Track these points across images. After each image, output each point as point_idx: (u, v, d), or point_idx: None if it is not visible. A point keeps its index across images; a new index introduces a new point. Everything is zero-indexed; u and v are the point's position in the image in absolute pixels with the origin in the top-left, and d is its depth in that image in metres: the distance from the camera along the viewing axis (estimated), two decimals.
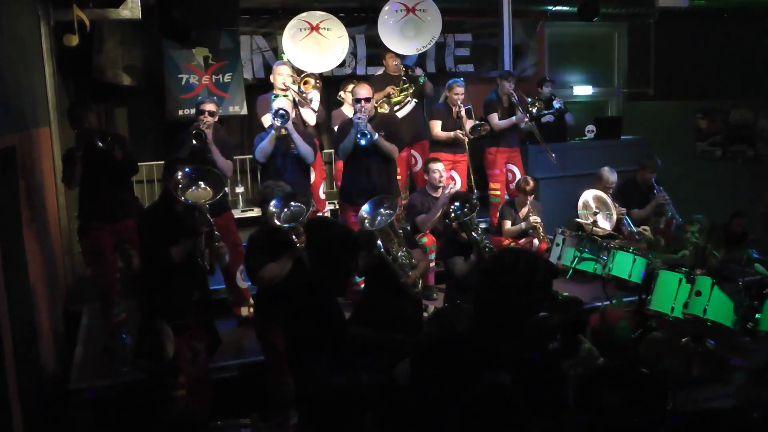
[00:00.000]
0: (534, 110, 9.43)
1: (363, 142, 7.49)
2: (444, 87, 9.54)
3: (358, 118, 7.54)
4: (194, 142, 7.18)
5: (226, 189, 8.21)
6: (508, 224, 8.69)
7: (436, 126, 9.21)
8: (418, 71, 9.76)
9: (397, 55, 9.59)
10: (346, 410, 4.11)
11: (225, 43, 10.38)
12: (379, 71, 10.05)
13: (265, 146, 7.58)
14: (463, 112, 9.08)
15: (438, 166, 8.22)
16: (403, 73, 9.53)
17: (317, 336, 4.13)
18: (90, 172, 6.89)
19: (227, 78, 10.35)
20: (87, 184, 7.03)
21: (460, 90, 9.15)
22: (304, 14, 9.27)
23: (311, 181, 8.63)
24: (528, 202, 8.65)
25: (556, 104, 10.44)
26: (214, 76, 10.26)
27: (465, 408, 2.57)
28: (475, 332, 2.87)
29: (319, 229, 4.66)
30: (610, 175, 9.04)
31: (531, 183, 8.74)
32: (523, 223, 8.57)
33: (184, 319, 5.85)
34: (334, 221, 5.57)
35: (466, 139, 9.12)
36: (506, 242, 8.69)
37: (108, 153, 6.82)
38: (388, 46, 9.52)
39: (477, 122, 9.17)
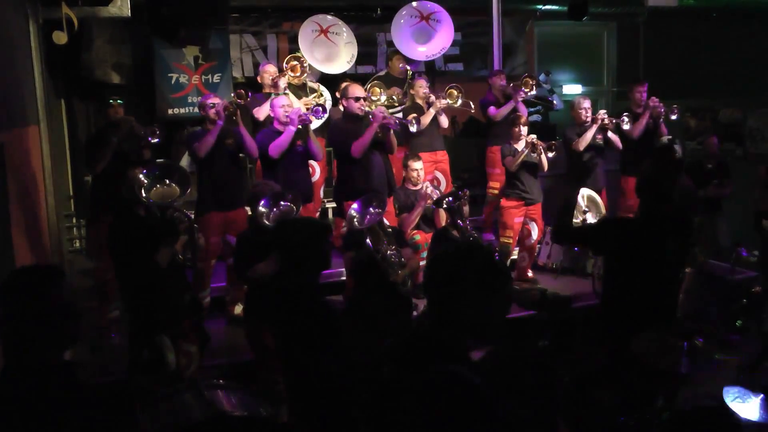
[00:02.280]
0: (528, 90, 9.52)
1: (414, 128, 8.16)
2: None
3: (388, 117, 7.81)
4: (239, 100, 7.59)
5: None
6: (510, 159, 8.56)
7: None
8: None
9: (404, 59, 9.65)
10: (337, 407, 4.11)
11: (215, 43, 10.36)
12: (369, 70, 10.08)
13: (283, 142, 7.56)
14: (440, 103, 9.07)
15: (416, 165, 8.21)
16: (409, 77, 9.56)
17: (307, 333, 4.13)
18: (110, 164, 6.96)
19: (216, 78, 10.34)
20: (103, 176, 7.06)
21: (422, 82, 9.23)
22: (316, 16, 9.48)
23: (314, 181, 8.67)
24: (522, 134, 8.53)
25: (542, 78, 10.57)
26: (203, 76, 10.25)
27: (416, 396, 2.56)
28: (437, 328, 2.88)
29: (287, 227, 4.71)
30: (583, 101, 9.22)
31: (523, 117, 8.77)
32: (524, 150, 8.41)
33: (180, 324, 5.81)
34: (300, 217, 5.65)
35: (444, 122, 9.27)
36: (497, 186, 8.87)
37: (137, 147, 6.94)
38: (399, 48, 9.63)
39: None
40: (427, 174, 8.73)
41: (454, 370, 2.61)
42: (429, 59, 10.22)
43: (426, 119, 8.94)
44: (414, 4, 9.77)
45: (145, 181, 5.71)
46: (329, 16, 9.56)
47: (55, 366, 3.08)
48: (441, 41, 9.80)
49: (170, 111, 10.09)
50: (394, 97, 9.46)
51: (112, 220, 5.97)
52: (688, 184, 8.00)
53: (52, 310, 3.03)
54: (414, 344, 2.99)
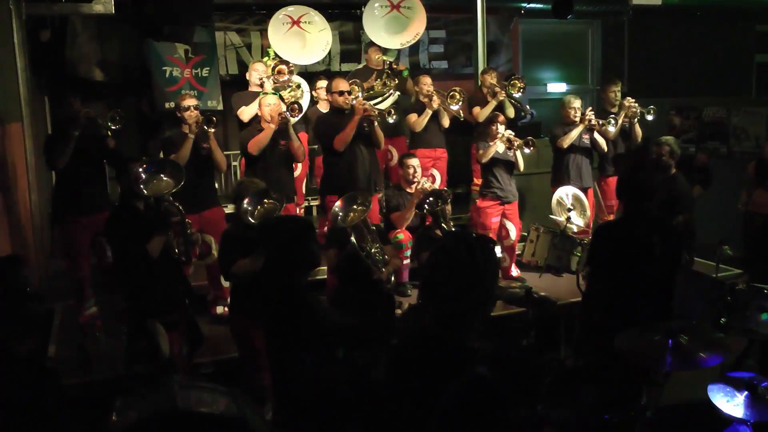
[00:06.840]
0: (514, 92, 9.46)
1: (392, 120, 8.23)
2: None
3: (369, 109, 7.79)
4: (206, 126, 7.28)
5: (216, 184, 8.25)
6: (481, 152, 8.51)
7: (412, 117, 9.13)
8: (402, 66, 9.75)
9: (380, 50, 9.61)
10: (324, 406, 4.10)
11: (202, 37, 10.33)
12: (354, 68, 10.05)
13: (261, 139, 7.52)
14: (435, 104, 9.01)
15: (413, 162, 8.13)
16: (386, 67, 9.50)
17: (297, 330, 4.13)
18: (72, 161, 6.86)
19: (205, 72, 10.32)
20: (66, 174, 6.99)
21: (427, 80, 9.16)
22: (285, 9, 9.35)
23: (296, 176, 8.63)
24: (500, 133, 8.42)
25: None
26: (193, 70, 10.22)
27: (448, 402, 2.56)
28: (437, 326, 2.87)
29: (270, 226, 4.71)
30: (573, 100, 9.24)
31: (501, 116, 8.70)
32: (498, 144, 8.38)
33: (174, 314, 5.81)
34: (285, 215, 5.65)
35: (446, 121, 9.22)
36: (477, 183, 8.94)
37: (99, 140, 6.86)
38: (373, 40, 9.58)
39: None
40: (425, 170, 8.69)
41: (483, 373, 2.61)
42: (404, 47, 10.17)
43: (424, 119, 8.93)
44: None
45: (144, 176, 5.74)
46: (299, 6, 9.49)
47: (20, 355, 3.05)
48: (414, 28, 9.75)
49: (167, 105, 10.04)
50: (373, 86, 9.41)
51: (108, 214, 6.01)
52: (682, 182, 8.01)
53: (10, 293, 2.99)
54: (416, 345, 2.98)
